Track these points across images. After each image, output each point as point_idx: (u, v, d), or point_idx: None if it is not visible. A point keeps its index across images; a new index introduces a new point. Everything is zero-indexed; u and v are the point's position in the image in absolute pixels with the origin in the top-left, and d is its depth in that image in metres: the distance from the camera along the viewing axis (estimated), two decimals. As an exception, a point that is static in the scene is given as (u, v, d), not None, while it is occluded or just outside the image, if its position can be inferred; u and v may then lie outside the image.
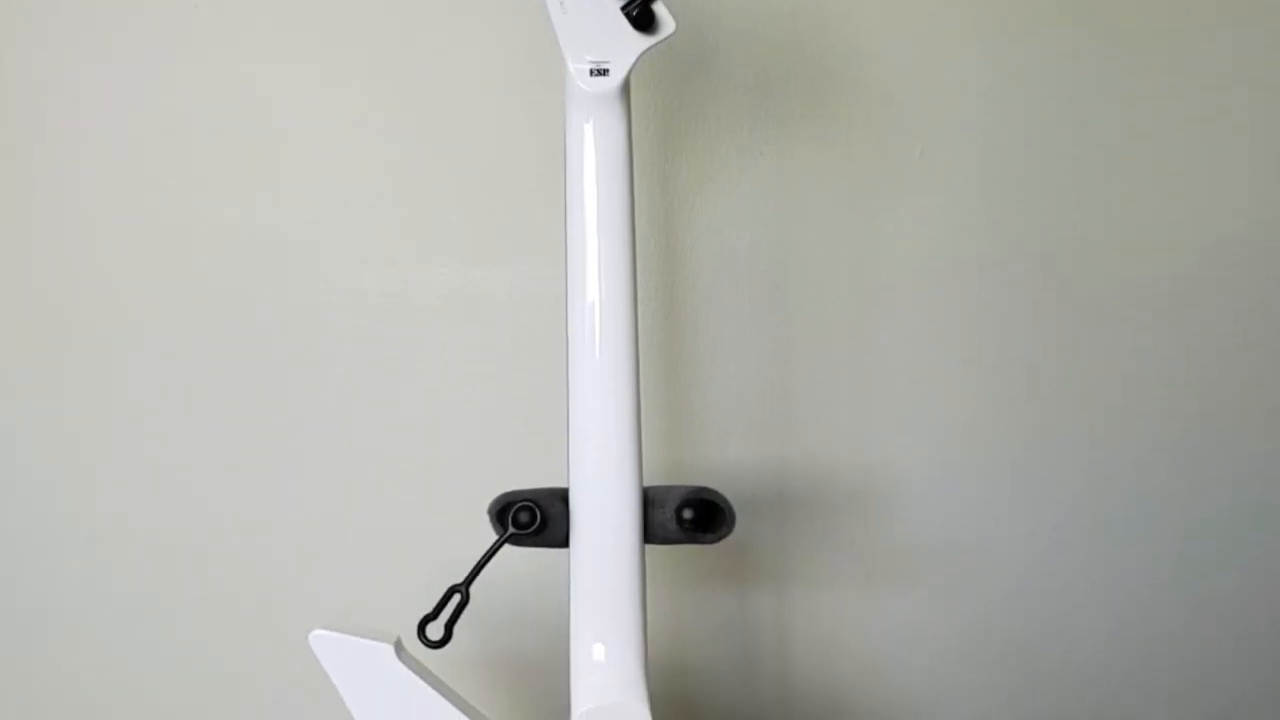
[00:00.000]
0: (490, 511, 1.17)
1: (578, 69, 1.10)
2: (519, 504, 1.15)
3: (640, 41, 1.09)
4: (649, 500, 1.16)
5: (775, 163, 1.42)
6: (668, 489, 1.17)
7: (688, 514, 1.14)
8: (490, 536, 1.17)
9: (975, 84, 1.42)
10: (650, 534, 1.16)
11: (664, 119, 1.41)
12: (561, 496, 1.16)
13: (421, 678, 1.14)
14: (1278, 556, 1.45)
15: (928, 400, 1.44)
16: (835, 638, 1.46)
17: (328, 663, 1.14)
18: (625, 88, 1.11)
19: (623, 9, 1.08)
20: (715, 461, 1.43)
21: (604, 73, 1.10)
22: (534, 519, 1.15)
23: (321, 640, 1.13)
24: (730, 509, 1.16)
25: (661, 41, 1.08)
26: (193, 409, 1.44)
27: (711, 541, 1.17)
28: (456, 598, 1.16)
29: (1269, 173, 1.43)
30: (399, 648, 1.15)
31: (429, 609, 1.16)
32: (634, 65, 1.09)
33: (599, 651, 1.15)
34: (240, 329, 1.44)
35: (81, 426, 1.44)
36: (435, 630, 1.15)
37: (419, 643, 1.15)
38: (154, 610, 1.47)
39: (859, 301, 1.43)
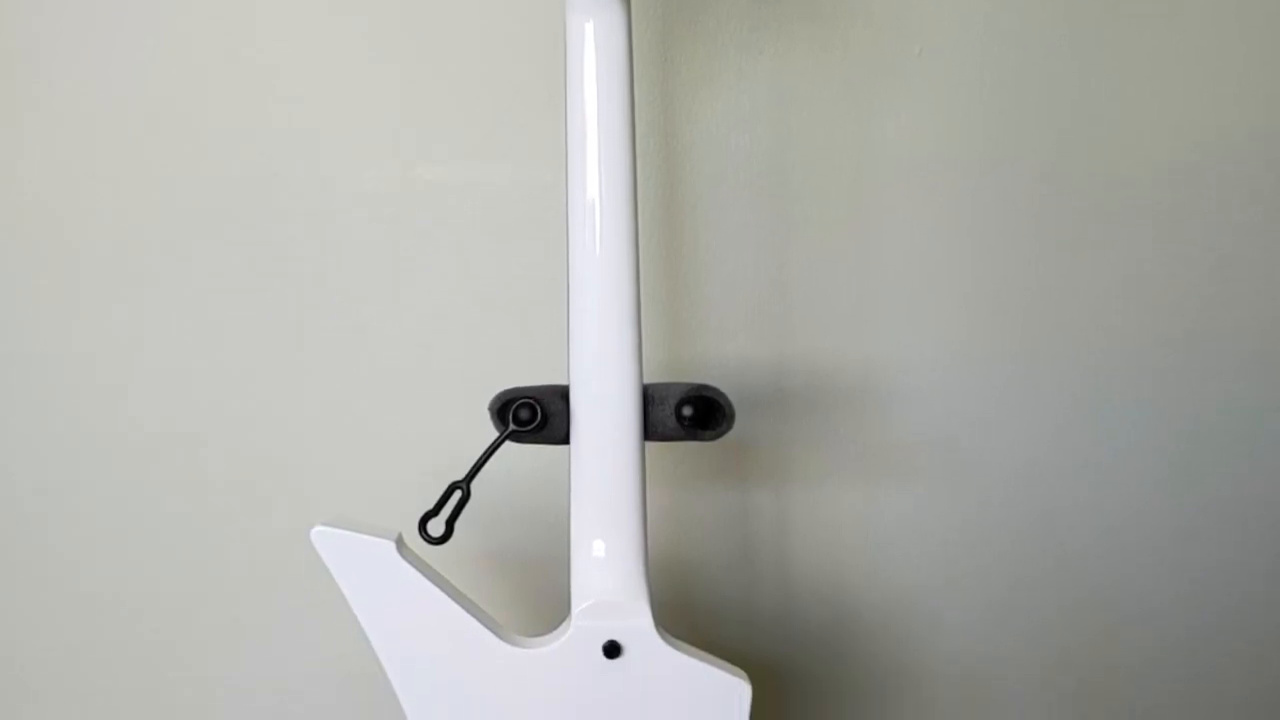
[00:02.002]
0: (491, 408, 1.17)
1: (577, -34, 1.09)
2: (519, 401, 1.16)
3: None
4: (649, 397, 1.16)
5: (775, 62, 1.40)
6: (667, 386, 1.17)
7: (687, 411, 1.14)
8: (491, 433, 1.17)
9: (975, -19, 1.41)
10: (650, 431, 1.16)
11: (663, 18, 1.39)
12: (562, 394, 1.16)
13: (422, 573, 1.15)
14: (1275, 456, 1.46)
15: (927, 298, 1.43)
16: (835, 533, 1.47)
17: (329, 559, 1.14)
18: (625, -14, 1.10)
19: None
20: (715, 359, 1.43)
21: (604, -30, 1.09)
22: (534, 416, 1.15)
23: (323, 536, 1.14)
24: (730, 406, 1.16)
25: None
26: (193, 305, 1.44)
27: (711, 438, 1.17)
28: (457, 494, 1.17)
29: (1268, 73, 1.41)
30: (400, 544, 1.15)
31: (430, 506, 1.17)
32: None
33: (599, 548, 1.16)
34: (240, 225, 1.43)
35: (82, 322, 1.44)
36: (436, 527, 1.16)
37: (420, 539, 1.16)
38: (153, 503, 1.48)
39: (858, 200, 1.42)
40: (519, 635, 1.19)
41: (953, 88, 1.41)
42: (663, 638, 1.15)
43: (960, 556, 1.47)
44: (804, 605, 1.48)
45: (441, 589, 1.15)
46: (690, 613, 1.48)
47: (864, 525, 1.47)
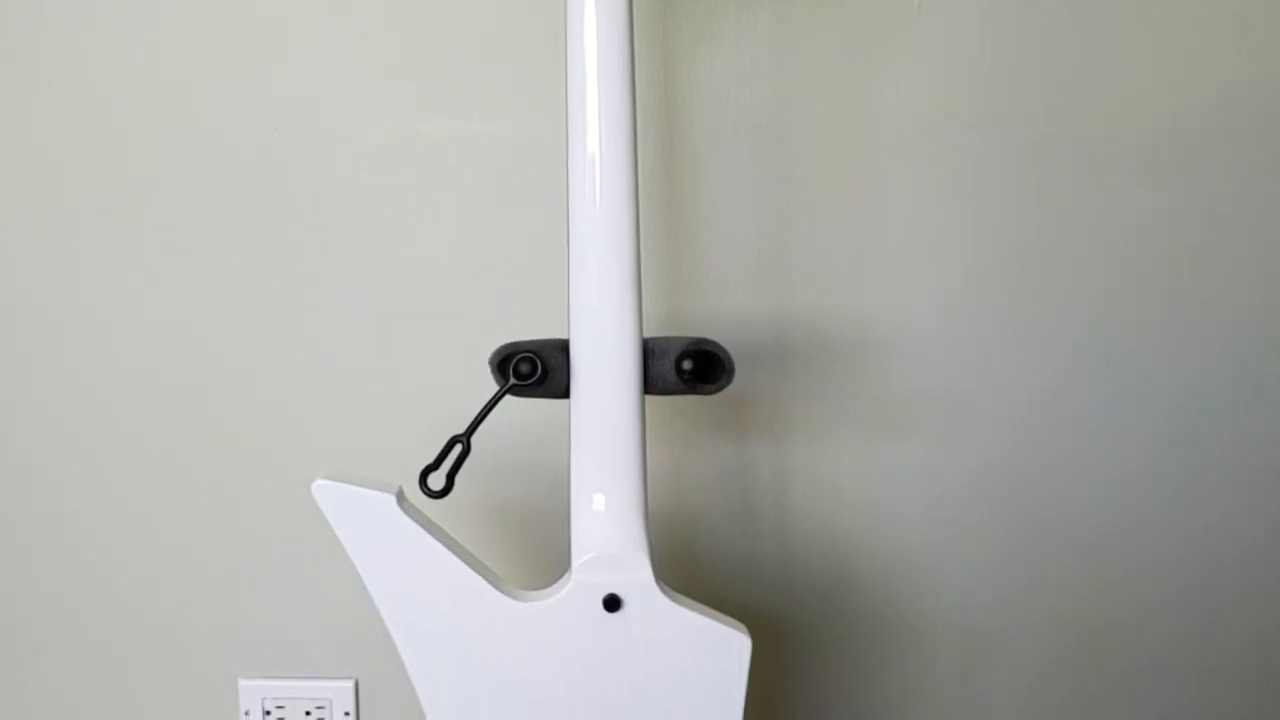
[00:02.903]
0: (491, 362, 1.17)
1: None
2: (520, 355, 1.16)
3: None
4: (649, 351, 1.16)
5: (774, 17, 1.39)
6: (667, 340, 1.17)
7: (687, 365, 1.14)
8: (491, 387, 1.17)
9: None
10: (650, 385, 1.17)
11: (664, -31, 1.39)
12: (562, 347, 1.16)
13: (423, 527, 1.15)
14: (1275, 409, 1.46)
15: (927, 252, 1.43)
16: (834, 487, 1.47)
17: (330, 512, 1.15)
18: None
19: None
20: (714, 313, 1.43)
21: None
22: (535, 370, 1.15)
23: (324, 490, 1.14)
24: (729, 360, 1.16)
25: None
26: (196, 258, 1.44)
27: (711, 392, 1.17)
28: (458, 448, 1.17)
29: (1265, 33, 1.40)
30: (401, 497, 1.16)
31: (430, 459, 1.17)
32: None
33: (599, 501, 1.16)
34: (242, 181, 1.43)
35: (87, 275, 1.44)
36: (437, 480, 1.16)
37: (420, 493, 1.16)
38: (154, 457, 1.48)
39: (858, 154, 1.41)
40: (519, 589, 1.19)
41: (952, 43, 1.40)
42: (663, 591, 1.15)
43: (959, 511, 1.48)
44: (803, 559, 1.49)
45: (442, 542, 1.16)
46: (690, 566, 1.48)
47: (863, 480, 1.47)
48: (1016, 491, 1.47)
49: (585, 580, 1.15)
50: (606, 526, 1.16)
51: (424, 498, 1.16)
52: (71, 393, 1.47)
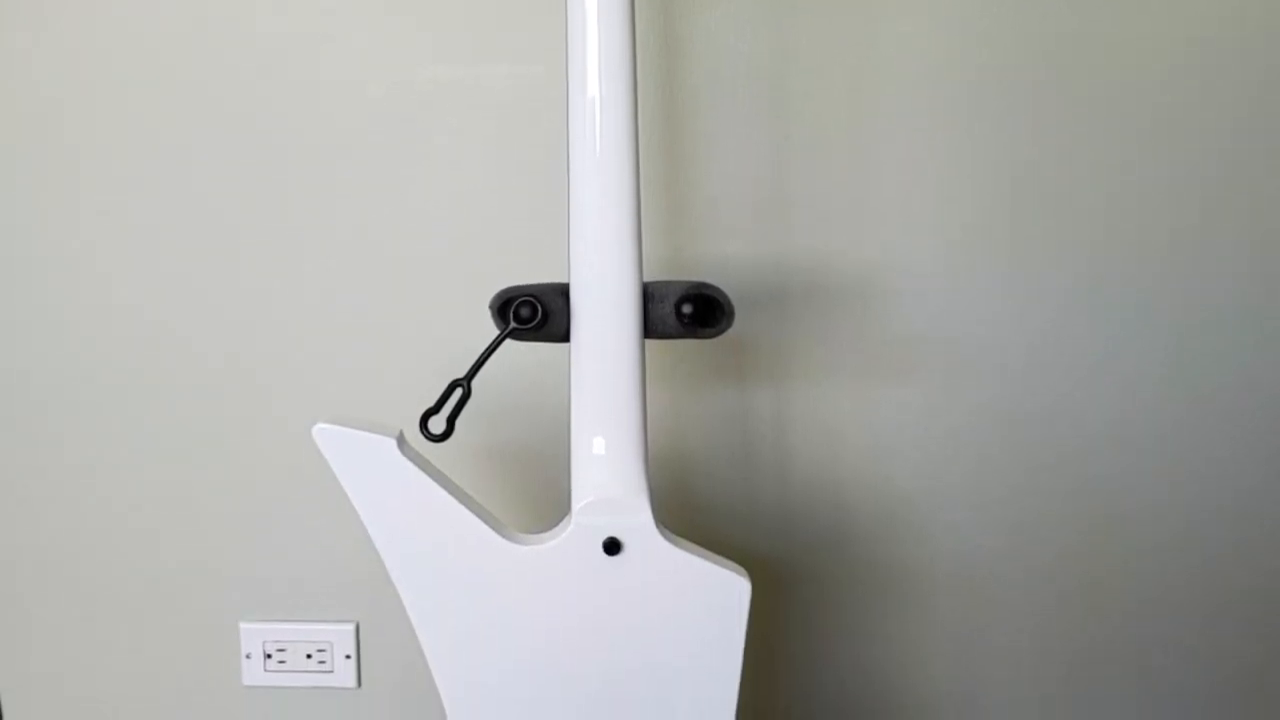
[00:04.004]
0: (492, 306, 1.17)
1: None
2: (520, 299, 1.15)
3: None
4: (648, 295, 1.16)
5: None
6: (667, 284, 1.17)
7: (687, 309, 1.14)
8: (492, 331, 1.17)
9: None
10: (650, 328, 1.16)
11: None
12: (562, 291, 1.16)
13: (423, 470, 1.16)
14: (1273, 352, 1.46)
15: (925, 196, 1.42)
16: (834, 430, 1.47)
17: (330, 456, 1.15)
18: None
19: None
20: (714, 257, 1.43)
21: None
22: (535, 314, 1.15)
23: (325, 433, 1.14)
24: (729, 304, 1.16)
25: None
26: (196, 205, 1.44)
27: (710, 336, 1.17)
28: (458, 392, 1.17)
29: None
30: (401, 441, 1.16)
31: (431, 403, 1.17)
32: None
33: (599, 445, 1.16)
34: (242, 127, 1.42)
35: (86, 223, 1.44)
36: (437, 424, 1.16)
37: (421, 436, 1.16)
38: (155, 400, 1.48)
39: (858, 99, 1.41)
40: (519, 532, 1.19)
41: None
42: (662, 534, 1.16)
43: (959, 454, 1.48)
44: (803, 502, 1.49)
45: (442, 486, 1.16)
46: (690, 510, 1.49)
47: (863, 423, 1.47)
48: (1016, 435, 1.47)
49: (585, 523, 1.16)
50: (606, 470, 1.16)
51: (424, 441, 1.16)
52: (72, 341, 1.47)
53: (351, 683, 1.55)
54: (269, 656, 1.54)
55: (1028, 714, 1.55)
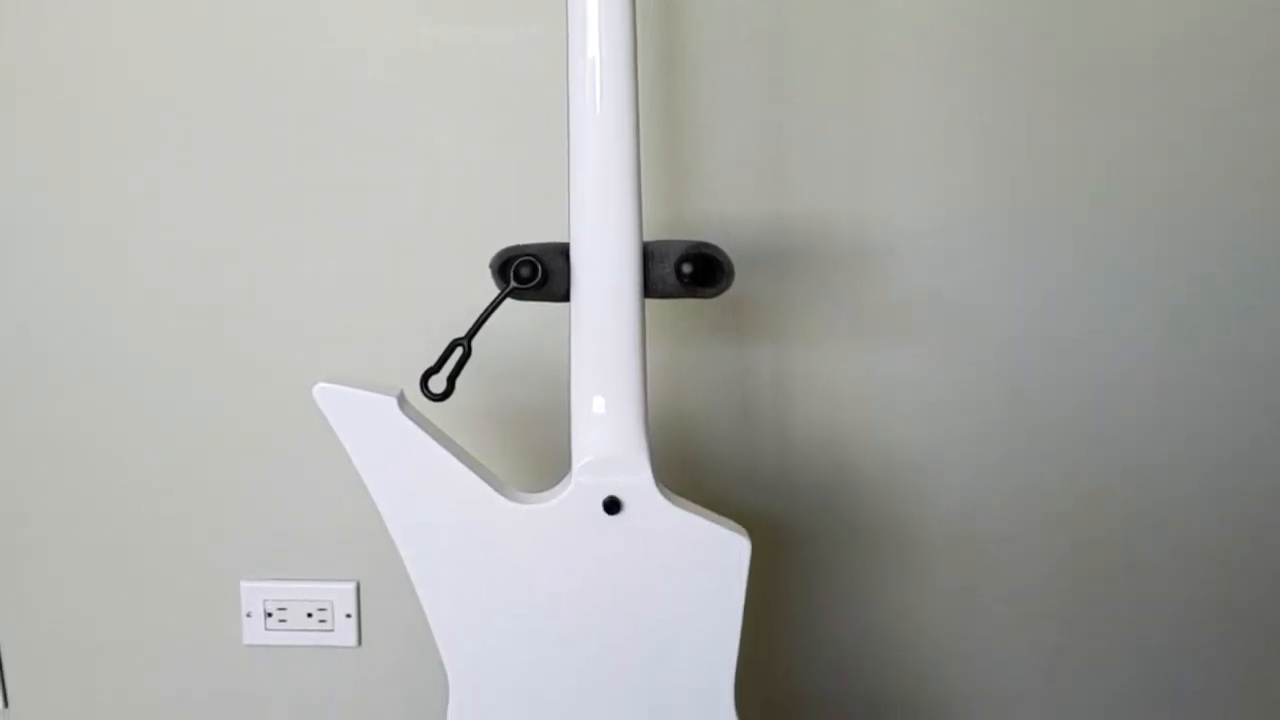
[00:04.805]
0: (492, 266, 1.17)
1: None
2: (520, 258, 1.15)
3: None
4: (648, 255, 1.16)
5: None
6: (667, 244, 1.16)
7: (687, 268, 1.14)
8: (492, 291, 1.17)
9: None
10: (650, 288, 1.16)
11: None
12: (562, 251, 1.16)
13: (424, 429, 1.16)
14: (1271, 314, 1.46)
15: (926, 159, 1.42)
16: (833, 390, 1.47)
17: (331, 415, 1.15)
18: None
19: None
20: (714, 217, 1.43)
21: None
22: (535, 273, 1.15)
23: (325, 393, 1.15)
24: (729, 263, 1.16)
25: None
26: (197, 166, 1.43)
27: (710, 295, 1.17)
28: (459, 351, 1.17)
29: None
30: (402, 400, 1.16)
31: (431, 363, 1.18)
32: None
33: (599, 404, 1.16)
34: (243, 88, 1.42)
35: (88, 185, 1.44)
36: (437, 383, 1.16)
37: (422, 396, 1.16)
38: (156, 361, 1.48)
39: (858, 60, 1.40)
40: (520, 491, 1.20)
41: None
42: (662, 493, 1.16)
43: (956, 414, 1.48)
44: (802, 461, 1.49)
45: (443, 445, 1.16)
46: (690, 469, 1.49)
47: (862, 383, 1.47)
48: (1015, 394, 1.47)
49: (585, 483, 1.16)
50: (606, 429, 1.16)
51: (425, 400, 1.17)
52: (75, 301, 1.47)
53: (352, 641, 1.56)
54: (269, 615, 1.55)
55: (1025, 670, 1.56)
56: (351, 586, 1.54)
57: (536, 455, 1.47)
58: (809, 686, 1.57)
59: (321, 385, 1.14)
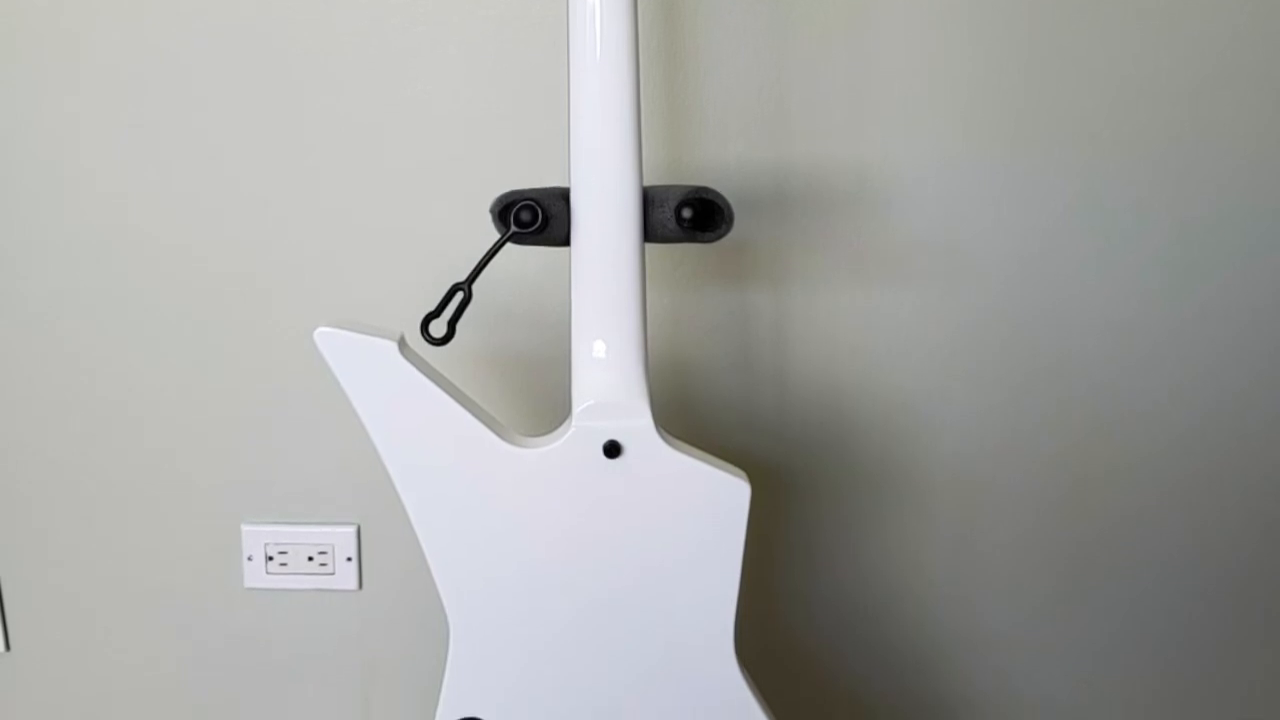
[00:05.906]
0: (492, 210, 1.17)
1: None
2: (521, 203, 1.15)
3: None
4: (648, 199, 1.16)
5: None
6: (667, 189, 1.16)
7: (686, 213, 1.14)
8: (492, 235, 1.17)
9: None
10: (650, 233, 1.16)
11: None
12: (563, 195, 1.16)
13: (424, 374, 1.16)
14: (1272, 252, 1.46)
15: (925, 100, 1.42)
16: (833, 334, 1.47)
17: (332, 359, 1.15)
18: None
19: None
20: (714, 161, 1.42)
21: None
22: (535, 218, 1.15)
23: (326, 337, 1.15)
24: (728, 208, 1.16)
25: None
26: (195, 109, 1.43)
27: (710, 240, 1.17)
28: (459, 295, 1.17)
29: None
30: (402, 344, 1.16)
31: (432, 307, 1.17)
32: None
33: (600, 349, 1.16)
34: (242, 31, 1.41)
35: (87, 132, 1.44)
36: (438, 328, 1.16)
37: (422, 340, 1.16)
38: (156, 306, 1.48)
39: (856, 2, 1.40)
40: (520, 435, 1.20)
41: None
42: (662, 438, 1.16)
43: (957, 357, 1.48)
44: (802, 406, 1.50)
45: (443, 389, 1.16)
46: (690, 413, 1.49)
47: (862, 326, 1.47)
48: (1014, 337, 1.48)
49: (586, 426, 1.16)
50: (607, 373, 1.16)
51: (426, 345, 1.17)
52: (74, 247, 1.47)
53: (353, 585, 1.56)
54: (270, 559, 1.55)
55: (1023, 614, 1.57)
56: (352, 530, 1.55)
57: (537, 399, 1.47)
58: (808, 630, 1.58)
59: (322, 329, 1.14)
